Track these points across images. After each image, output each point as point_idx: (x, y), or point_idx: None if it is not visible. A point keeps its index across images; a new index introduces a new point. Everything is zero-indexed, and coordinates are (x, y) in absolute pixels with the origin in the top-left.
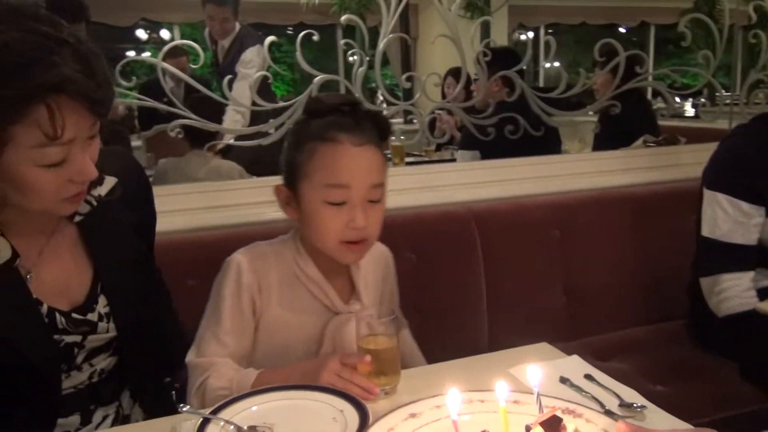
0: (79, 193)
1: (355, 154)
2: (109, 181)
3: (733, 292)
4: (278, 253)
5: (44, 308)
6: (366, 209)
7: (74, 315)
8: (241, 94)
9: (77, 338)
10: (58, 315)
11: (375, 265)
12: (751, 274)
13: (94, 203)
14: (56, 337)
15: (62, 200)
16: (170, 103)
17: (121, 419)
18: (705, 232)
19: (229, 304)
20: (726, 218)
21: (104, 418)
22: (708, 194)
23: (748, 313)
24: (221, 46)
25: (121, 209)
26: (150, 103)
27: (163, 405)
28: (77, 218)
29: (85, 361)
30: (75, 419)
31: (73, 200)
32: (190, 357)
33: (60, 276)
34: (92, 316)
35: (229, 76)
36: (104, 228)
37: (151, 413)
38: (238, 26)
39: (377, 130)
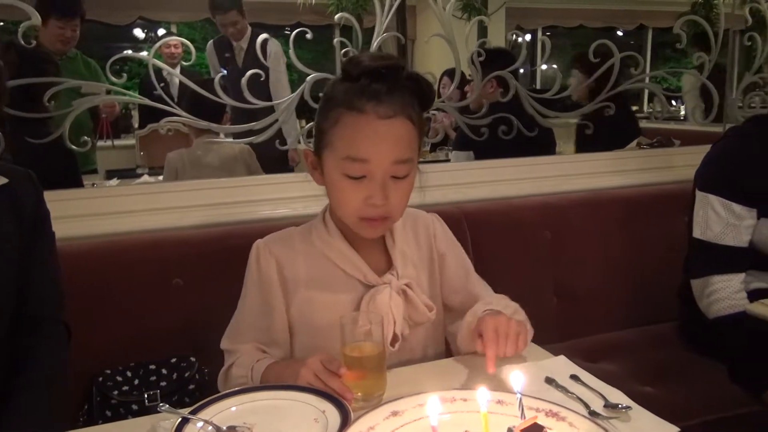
0: None
1: (378, 128)
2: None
3: (723, 294)
4: (305, 233)
5: None
6: (387, 186)
7: None
8: (284, 85)
9: None
10: None
11: (415, 236)
12: (741, 276)
13: None
14: None
15: None
16: (162, 101)
17: None
18: (696, 233)
19: (251, 290)
20: (718, 220)
21: None
22: (700, 196)
23: (738, 315)
24: (239, 48)
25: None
26: (138, 99)
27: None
28: None
29: None
30: None
31: None
32: (223, 343)
33: None
34: None
35: (252, 72)
36: None
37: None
38: (249, 27)
39: (418, 97)
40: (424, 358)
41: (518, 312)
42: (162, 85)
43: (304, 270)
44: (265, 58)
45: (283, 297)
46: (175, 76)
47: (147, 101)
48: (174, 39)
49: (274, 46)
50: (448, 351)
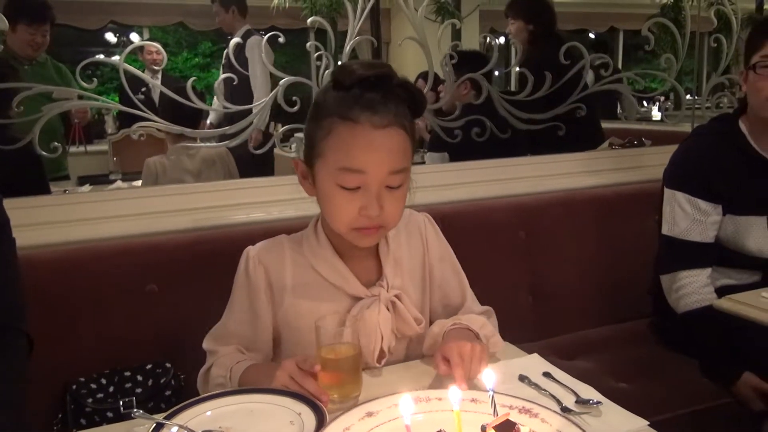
0: None
1: (374, 138)
2: None
3: (691, 288)
4: (296, 242)
5: None
6: (382, 197)
7: None
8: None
9: None
10: None
11: (408, 242)
12: (708, 270)
13: None
14: None
15: None
16: (138, 108)
17: None
18: (664, 229)
19: (239, 295)
20: (684, 216)
21: None
22: (668, 193)
23: (705, 309)
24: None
25: None
26: (110, 104)
27: None
28: None
29: None
30: None
31: None
32: (206, 343)
33: None
34: None
35: (225, 76)
36: None
37: None
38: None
39: (409, 106)
40: None
41: (485, 326)
42: (144, 89)
43: (291, 278)
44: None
45: (269, 304)
46: (149, 82)
47: (118, 106)
48: (152, 45)
49: (254, 41)
50: None
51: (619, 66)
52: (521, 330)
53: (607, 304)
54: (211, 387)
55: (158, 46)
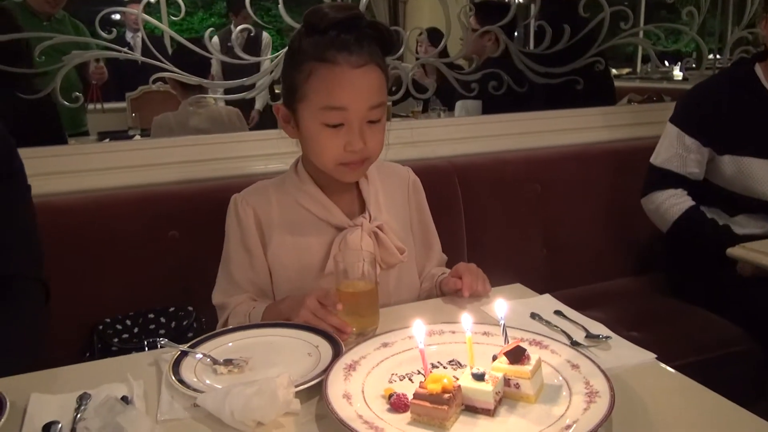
0: None
1: (353, 77)
2: None
3: (670, 202)
4: (278, 183)
5: None
6: (364, 131)
7: None
8: None
9: None
10: None
11: (392, 184)
12: (682, 190)
13: None
14: None
15: None
16: (154, 58)
17: None
18: (650, 159)
19: (233, 241)
20: (668, 147)
21: None
22: (667, 125)
23: (686, 212)
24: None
25: None
26: (130, 56)
27: None
28: None
29: None
30: None
31: None
32: (214, 298)
33: None
34: None
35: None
36: None
37: None
38: None
39: (381, 45)
40: (398, 302)
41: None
42: (126, 48)
43: (278, 216)
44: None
45: (260, 242)
46: (166, 30)
47: (138, 56)
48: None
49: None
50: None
51: (641, 24)
52: (535, 282)
53: (621, 257)
54: None
55: None
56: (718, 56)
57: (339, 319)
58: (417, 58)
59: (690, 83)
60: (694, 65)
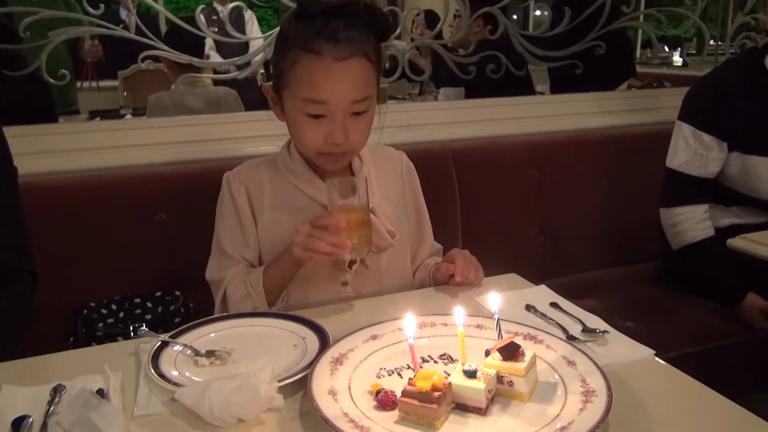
0: None
1: (336, 70)
2: None
3: (688, 225)
4: (270, 162)
5: None
6: (347, 124)
7: None
8: None
9: None
10: None
11: (386, 167)
12: (704, 206)
13: None
14: None
15: None
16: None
17: None
18: (667, 161)
19: (226, 217)
20: (686, 148)
21: None
22: (677, 124)
23: (701, 243)
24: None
25: None
26: (119, 33)
27: None
28: None
29: None
30: None
31: None
32: (208, 275)
33: None
34: None
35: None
36: None
37: None
38: None
39: (374, 31)
40: (391, 287)
41: None
42: (121, 26)
43: (270, 195)
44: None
45: (253, 219)
46: (158, 8)
47: (127, 34)
48: None
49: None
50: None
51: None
52: (530, 269)
53: (618, 245)
54: (235, 307)
55: None
56: (719, 43)
57: (335, 237)
58: (412, 39)
59: (690, 70)
60: (693, 51)
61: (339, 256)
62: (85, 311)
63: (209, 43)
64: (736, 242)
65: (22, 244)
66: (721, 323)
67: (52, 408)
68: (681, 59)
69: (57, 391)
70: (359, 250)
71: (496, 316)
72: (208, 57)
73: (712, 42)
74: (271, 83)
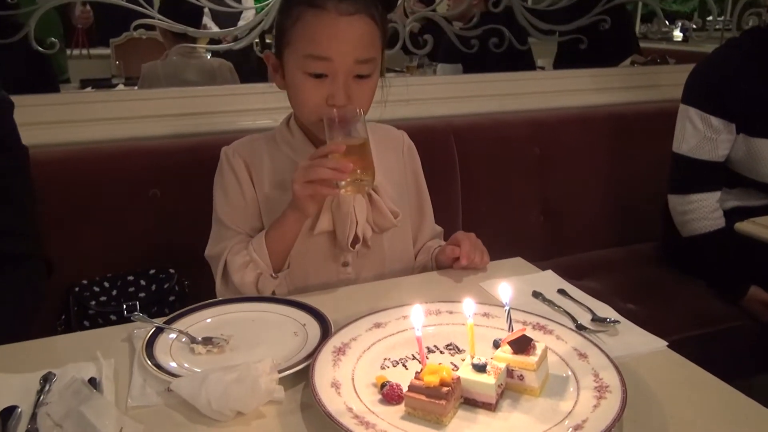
0: None
1: (340, 25)
2: None
3: (700, 213)
4: (269, 137)
5: None
6: (350, 85)
7: None
8: None
9: None
10: None
11: (386, 146)
12: (717, 194)
13: None
14: None
15: None
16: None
17: None
18: (674, 146)
19: (228, 191)
20: (695, 133)
21: None
22: (682, 108)
23: (712, 234)
24: None
25: None
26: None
27: None
28: None
29: None
30: None
31: None
32: (208, 251)
33: None
34: None
35: None
36: None
37: None
38: None
39: None
40: (392, 269)
41: None
42: None
43: (269, 169)
44: None
45: (254, 193)
46: None
47: (119, 2)
48: None
49: None
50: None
51: None
52: (531, 249)
53: (619, 225)
54: (237, 276)
55: None
56: (727, 18)
57: (335, 161)
58: (406, 15)
59: (691, 45)
60: (694, 26)
61: (341, 182)
62: (77, 289)
63: (208, 14)
64: (745, 226)
65: (26, 231)
66: (723, 307)
67: (42, 397)
68: (681, 34)
69: (47, 379)
70: (363, 181)
71: (507, 308)
72: (205, 27)
73: (710, 18)
74: (270, 50)
